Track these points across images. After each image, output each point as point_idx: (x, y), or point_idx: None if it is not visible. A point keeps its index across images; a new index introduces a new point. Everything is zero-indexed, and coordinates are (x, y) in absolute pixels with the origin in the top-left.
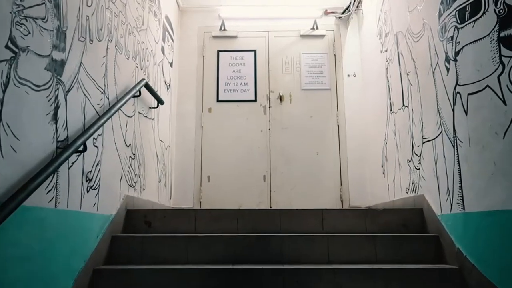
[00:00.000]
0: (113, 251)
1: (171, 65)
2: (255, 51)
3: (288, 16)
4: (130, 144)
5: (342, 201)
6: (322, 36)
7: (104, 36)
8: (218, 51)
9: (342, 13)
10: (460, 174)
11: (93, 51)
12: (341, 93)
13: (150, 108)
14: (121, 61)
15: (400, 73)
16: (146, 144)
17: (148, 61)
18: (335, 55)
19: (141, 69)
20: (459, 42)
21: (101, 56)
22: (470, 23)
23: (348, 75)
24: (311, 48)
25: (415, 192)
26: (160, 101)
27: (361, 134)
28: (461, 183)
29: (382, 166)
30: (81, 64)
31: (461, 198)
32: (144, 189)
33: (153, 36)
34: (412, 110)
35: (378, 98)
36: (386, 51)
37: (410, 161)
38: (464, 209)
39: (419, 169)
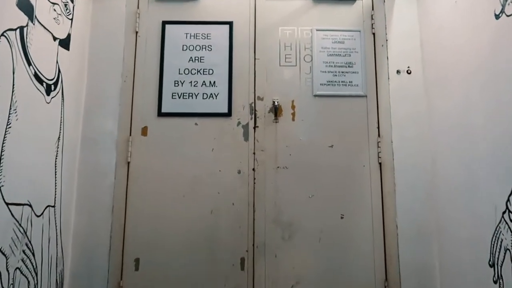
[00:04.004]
0: None
1: (63, 44)
2: (230, 24)
3: None
4: None
5: None
6: (352, 1)
7: None
8: (164, 23)
9: None
10: None
11: None
12: (385, 104)
13: None
14: None
15: None
16: None
17: None
18: (374, 34)
19: None
20: None
21: None
22: None
23: (398, 72)
24: (332, 21)
25: None
26: None
27: (427, 184)
28: None
29: (490, 263)
30: None
31: None
32: None
33: None
34: None
35: (479, 112)
36: None
37: None
38: None
39: None
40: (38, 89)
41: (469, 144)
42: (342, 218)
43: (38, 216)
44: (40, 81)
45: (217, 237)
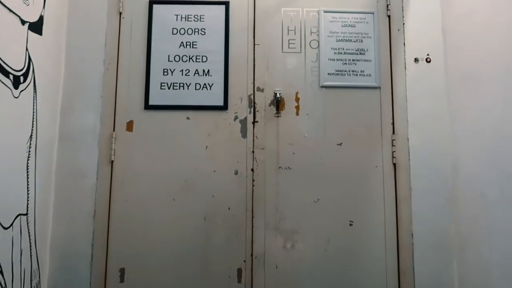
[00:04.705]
0: None
1: (34, 28)
2: (227, 4)
3: None
4: None
5: None
6: None
7: None
8: (151, 3)
9: None
10: None
11: None
12: (401, 97)
13: None
14: None
15: None
16: None
17: None
18: (389, 17)
19: None
20: None
21: None
22: None
23: (417, 60)
24: (342, 1)
25: None
26: None
27: (448, 189)
28: None
29: None
30: None
31: None
32: None
33: None
34: None
35: None
36: None
37: None
38: None
39: None
40: (3, 82)
41: (503, 152)
42: (351, 225)
43: (6, 228)
44: (6, 72)
45: (211, 245)
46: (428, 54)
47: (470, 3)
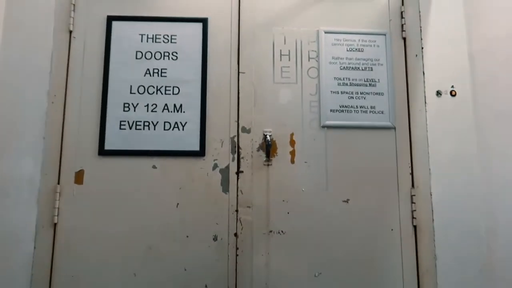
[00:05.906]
0: None
1: None
2: (204, 21)
3: None
4: None
5: None
6: None
7: None
8: (110, 19)
9: None
10: None
11: None
12: (421, 140)
13: None
14: None
15: None
16: None
17: None
18: (404, 39)
19: None
20: None
21: None
22: None
23: (439, 93)
24: (347, 19)
25: None
26: None
27: (482, 258)
28: None
29: None
30: None
31: None
32: None
33: None
34: None
35: None
36: None
37: None
38: None
39: None
40: None
41: None
42: None
43: None
44: None
45: None
46: (453, 86)
47: (504, 21)
